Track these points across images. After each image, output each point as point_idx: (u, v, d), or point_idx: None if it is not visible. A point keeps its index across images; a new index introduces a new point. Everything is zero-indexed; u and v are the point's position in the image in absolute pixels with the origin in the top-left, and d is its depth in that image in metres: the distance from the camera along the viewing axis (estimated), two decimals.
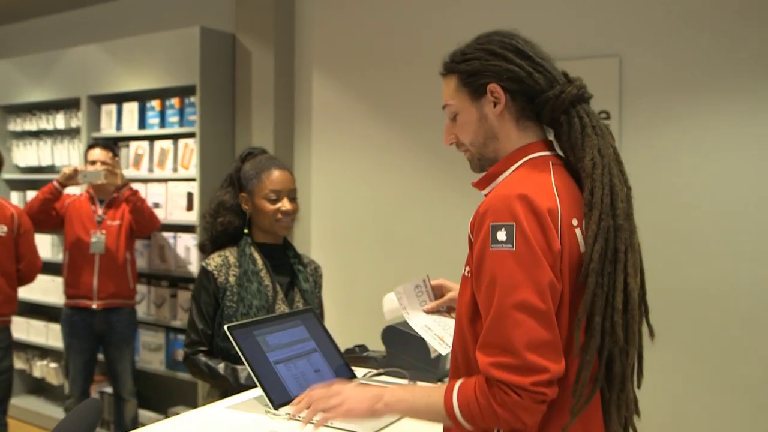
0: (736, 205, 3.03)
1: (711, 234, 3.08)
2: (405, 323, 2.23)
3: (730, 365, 3.04)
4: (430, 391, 1.30)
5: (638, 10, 3.22)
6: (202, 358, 2.27)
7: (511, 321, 1.18)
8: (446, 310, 1.83)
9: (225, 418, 1.81)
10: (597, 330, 1.24)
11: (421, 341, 1.78)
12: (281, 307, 2.33)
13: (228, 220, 2.39)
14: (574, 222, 1.28)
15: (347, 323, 3.63)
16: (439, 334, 2.25)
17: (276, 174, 2.38)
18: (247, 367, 1.83)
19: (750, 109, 3.00)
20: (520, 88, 1.35)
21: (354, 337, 2.71)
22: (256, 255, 2.36)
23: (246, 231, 2.40)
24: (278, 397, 1.82)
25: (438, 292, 1.82)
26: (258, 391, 1.92)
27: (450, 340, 2.19)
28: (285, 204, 2.37)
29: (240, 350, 1.85)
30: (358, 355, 2.29)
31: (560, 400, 1.25)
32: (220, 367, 2.23)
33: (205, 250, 2.48)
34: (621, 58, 3.25)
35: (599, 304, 1.24)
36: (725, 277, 3.05)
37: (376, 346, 2.38)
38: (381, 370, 2.17)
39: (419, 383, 2.01)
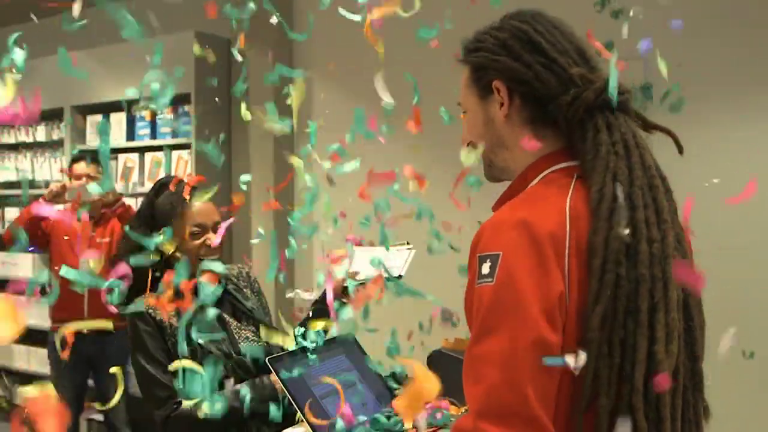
0: None
1: None
2: (454, 349, 2.05)
3: None
4: None
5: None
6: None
7: (473, 375, 0.96)
8: None
9: None
10: (604, 415, 0.97)
11: None
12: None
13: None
14: None
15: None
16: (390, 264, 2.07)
17: (197, 205, 1.95)
18: (294, 404, 1.62)
19: None
20: (528, 90, 1.12)
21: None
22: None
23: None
24: None
25: None
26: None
27: (397, 262, 2.03)
28: (211, 237, 1.95)
29: (284, 385, 1.64)
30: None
31: None
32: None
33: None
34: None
35: (605, 383, 0.97)
36: None
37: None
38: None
39: None
